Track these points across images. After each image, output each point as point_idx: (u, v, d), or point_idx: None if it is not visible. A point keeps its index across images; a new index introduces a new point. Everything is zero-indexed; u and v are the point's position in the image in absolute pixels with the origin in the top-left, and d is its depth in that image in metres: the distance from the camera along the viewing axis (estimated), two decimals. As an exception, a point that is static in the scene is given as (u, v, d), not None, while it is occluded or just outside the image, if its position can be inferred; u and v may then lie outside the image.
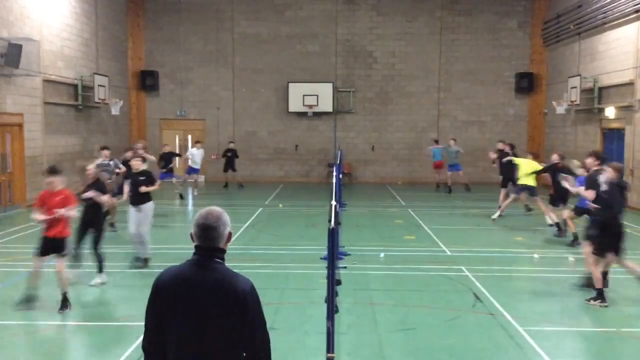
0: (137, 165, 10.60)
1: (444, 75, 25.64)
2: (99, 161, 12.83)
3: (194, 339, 3.02)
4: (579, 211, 11.42)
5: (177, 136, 26.19)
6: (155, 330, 3.11)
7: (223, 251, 3.16)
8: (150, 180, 10.48)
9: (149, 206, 10.44)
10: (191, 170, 20.67)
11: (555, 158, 13.46)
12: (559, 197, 12.96)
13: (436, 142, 23.49)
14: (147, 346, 3.16)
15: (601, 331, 7.61)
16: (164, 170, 18.87)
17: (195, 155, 20.63)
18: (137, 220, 10.26)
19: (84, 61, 21.02)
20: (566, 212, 12.51)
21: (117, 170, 14.04)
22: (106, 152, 14.25)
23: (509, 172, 15.84)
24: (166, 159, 19.12)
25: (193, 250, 3.14)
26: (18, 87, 16.71)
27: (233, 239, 12.22)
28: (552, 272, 10.43)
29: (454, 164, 21.56)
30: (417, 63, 25.61)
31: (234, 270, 3.13)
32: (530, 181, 14.55)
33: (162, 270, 3.20)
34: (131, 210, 10.36)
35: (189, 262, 3.14)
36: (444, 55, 25.55)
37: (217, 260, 3.11)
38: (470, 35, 25.48)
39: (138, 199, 10.30)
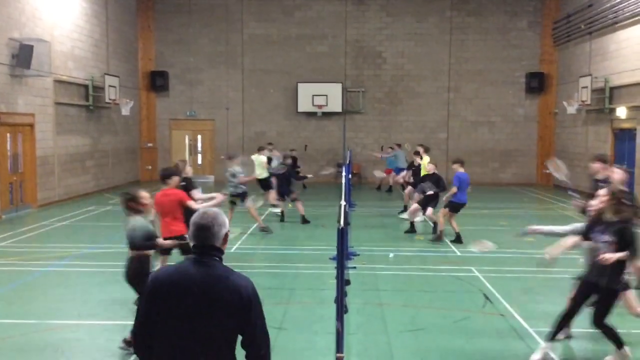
0: None
1: (454, 76, 25.56)
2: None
3: (190, 335, 3.04)
4: None
5: (186, 136, 26.31)
6: (146, 327, 3.13)
7: (220, 250, 3.22)
8: None
9: None
10: None
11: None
12: None
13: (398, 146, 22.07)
14: (135, 345, 3.21)
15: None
16: None
17: None
18: None
19: (94, 62, 21.14)
20: None
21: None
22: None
23: None
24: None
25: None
26: (29, 88, 16.82)
27: (243, 238, 12.04)
28: (562, 273, 10.36)
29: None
30: (427, 63, 25.55)
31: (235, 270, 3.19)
32: None
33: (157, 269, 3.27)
34: None
35: (187, 259, 3.20)
36: (454, 56, 25.47)
37: (215, 257, 3.17)
38: (479, 35, 25.39)
39: None
